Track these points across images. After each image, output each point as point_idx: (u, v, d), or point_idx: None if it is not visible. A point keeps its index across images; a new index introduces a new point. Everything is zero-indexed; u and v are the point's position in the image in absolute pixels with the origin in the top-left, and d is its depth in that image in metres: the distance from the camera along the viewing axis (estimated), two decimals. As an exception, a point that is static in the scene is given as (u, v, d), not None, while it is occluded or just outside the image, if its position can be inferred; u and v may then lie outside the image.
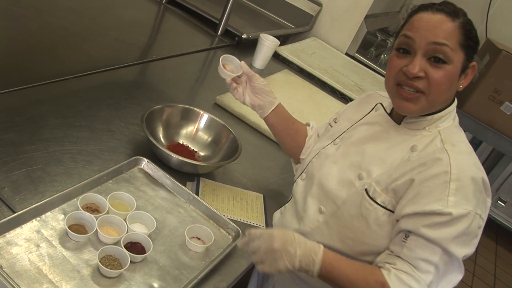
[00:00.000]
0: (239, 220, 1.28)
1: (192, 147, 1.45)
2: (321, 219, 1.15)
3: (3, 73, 1.43)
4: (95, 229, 1.02)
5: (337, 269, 1.01)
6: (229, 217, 1.26)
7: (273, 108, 1.34)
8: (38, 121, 1.28)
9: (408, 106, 1.05)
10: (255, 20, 2.80)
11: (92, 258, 0.99)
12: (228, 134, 1.45)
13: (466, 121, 3.11)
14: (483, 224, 1.01)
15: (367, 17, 2.70)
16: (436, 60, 1.01)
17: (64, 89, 1.48)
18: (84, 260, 0.98)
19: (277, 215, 1.31)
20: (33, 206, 1.01)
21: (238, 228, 1.19)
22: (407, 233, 1.00)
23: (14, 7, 1.83)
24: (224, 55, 1.34)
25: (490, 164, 3.87)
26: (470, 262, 3.42)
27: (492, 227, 3.87)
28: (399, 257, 1.00)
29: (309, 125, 1.43)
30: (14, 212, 0.99)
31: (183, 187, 1.25)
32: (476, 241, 1.01)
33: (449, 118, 1.09)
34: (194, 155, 1.43)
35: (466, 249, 0.99)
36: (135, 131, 1.41)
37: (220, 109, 1.78)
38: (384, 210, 1.05)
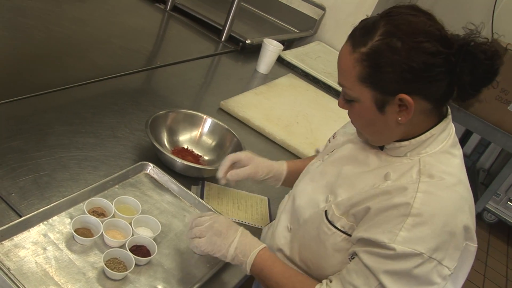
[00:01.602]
0: (244, 223, 1.29)
1: (196, 151, 1.46)
2: (288, 237, 1.10)
3: (9, 83, 1.46)
4: (101, 232, 1.04)
5: (268, 269, 0.99)
6: (234, 220, 1.27)
7: (282, 181, 1.29)
8: (45, 129, 1.30)
9: (358, 133, 1.03)
10: (259, 26, 2.82)
11: (98, 261, 1.00)
12: (232, 138, 1.46)
13: (474, 123, 3.09)
14: (448, 272, 0.88)
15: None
16: (345, 100, 0.95)
17: (70, 97, 1.50)
18: (90, 263, 0.99)
19: (264, 230, 1.25)
20: (40, 210, 1.03)
21: (243, 230, 1.19)
22: (353, 254, 0.93)
23: (20, 17, 1.86)
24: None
25: (499, 165, 3.85)
26: (481, 264, 3.40)
27: (503, 229, 3.84)
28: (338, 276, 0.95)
29: (318, 152, 1.35)
30: (21, 217, 1.01)
31: (188, 191, 1.26)
32: None
33: (436, 142, 0.93)
34: (199, 160, 1.44)
35: None
36: (140, 136, 1.43)
37: (224, 114, 1.79)
38: (343, 235, 0.97)
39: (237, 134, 1.48)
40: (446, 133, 0.95)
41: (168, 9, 2.49)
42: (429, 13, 0.90)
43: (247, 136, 1.71)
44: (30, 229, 1.01)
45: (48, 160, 1.20)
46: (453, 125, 0.99)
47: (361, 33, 0.89)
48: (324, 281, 0.96)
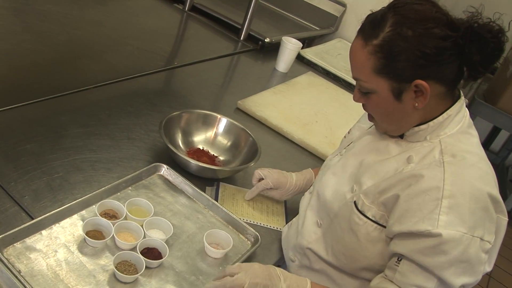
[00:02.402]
0: (259, 224, 1.27)
1: (212, 152, 1.44)
2: (319, 233, 1.11)
3: (26, 86, 1.47)
4: (112, 235, 1.03)
5: None
6: (249, 221, 1.25)
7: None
8: (59, 131, 1.31)
9: (376, 126, 1.06)
10: (279, 24, 2.79)
11: (109, 263, 0.99)
12: (247, 137, 1.44)
13: (502, 119, 3.00)
14: (489, 246, 0.89)
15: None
16: (362, 92, 0.98)
17: (85, 99, 1.50)
18: (101, 265, 0.99)
19: (285, 230, 1.25)
20: (52, 212, 1.03)
21: (257, 233, 1.17)
22: (400, 257, 0.92)
23: (39, 21, 1.88)
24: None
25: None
26: (508, 263, 3.29)
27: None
28: (392, 281, 0.93)
29: None
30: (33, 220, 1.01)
31: (202, 193, 1.25)
32: (481, 268, 0.90)
33: (453, 123, 0.97)
34: (214, 160, 1.42)
35: (466, 278, 0.88)
36: (155, 138, 1.42)
37: (242, 113, 1.77)
38: (375, 225, 0.98)
39: (254, 134, 1.46)
40: (462, 114, 0.98)
41: (186, 9, 2.48)
42: (433, 0, 0.92)
43: (265, 135, 1.68)
44: (42, 232, 1.01)
45: (62, 163, 1.20)
46: (466, 108, 1.02)
47: (371, 27, 0.92)
48: None
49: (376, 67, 0.91)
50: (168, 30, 2.31)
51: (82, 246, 1.01)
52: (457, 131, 0.97)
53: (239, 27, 2.39)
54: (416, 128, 0.98)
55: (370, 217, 0.99)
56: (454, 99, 0.98)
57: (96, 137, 1.34)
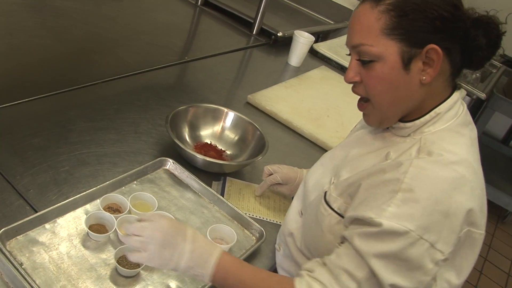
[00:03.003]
0: (265, 219, 1.25)
1: (219, 146, 1.43)
2: (300, 222, 1.07)
3: (35, 81, 1.48)
4: (114, 228, 1.03)
5: (234, 276, 0.87)
6: (255, 216, 1.24)
7: None
8: (66, 125, 1.31)
9: (366, 119, 0.96)
10: (293, 18, 2.77)
11: (111, 257, 0.99)
12: (254, 131, 1.43)
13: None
14: (441, 257, 0.80)
15: None
16: (363, 62, 0.88)
17: (94, 94, 1.51)
18: (103, 259, 0.99)
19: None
20: (56, 205, 1.03)
21: (262, 229, 1.16)
22: (343, 239, 0.87)
23: (53, 18, 1.90)
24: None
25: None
26: (533, 263, 3.21)
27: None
28: (324, 264, 0.86)
29: None
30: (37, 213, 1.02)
31: (208, 187, 1.24)
32: (421, 277, 0.79)
33: (441, 121, 0.90)
34: (222, 154, 1.41)
35: (398, 278, 0.79)
36: (162, 132, 1.42)
37: (252, 108, 1.76)
38: (338, 217, 0.93)
39: (263, 128, 1.45)
40: (453, 112, 0.91)
41: (199, 3, 2.48)
42: None
43: (274, 130, 1.67)
44: (45, 225, 1.01)
45: (68, 157, 1.21)
46: (464, 105, 0.95)
47: None
48: (304, 272, 0.87)
49: (388, 27, 0.83)
50: (180, 24, 2.30)
51: (84, 240, 1.01)
52: (444, 128, 0.89)
53: (252, 21, 2.38)
54: (402, 124, 0.92)
55: (335, 208, 0.94)
56: (451, 91, 0.93)
57: (103, 131, 1.34)
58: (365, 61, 0.87)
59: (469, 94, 2.55)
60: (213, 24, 2.40)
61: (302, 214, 1.09)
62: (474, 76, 2.66)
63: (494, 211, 3.70)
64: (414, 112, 0.91)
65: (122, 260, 0.98)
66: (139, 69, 1.72)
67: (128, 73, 1.67)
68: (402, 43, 0.84)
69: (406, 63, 0.85)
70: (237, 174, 1.37)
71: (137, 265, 0.98)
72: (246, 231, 1.18)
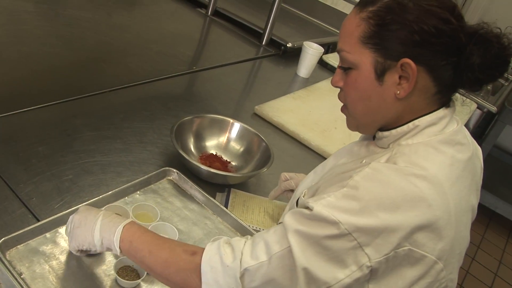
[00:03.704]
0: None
1: (225, 157, 1.43)
2: None
3: (43, 89, 1.49)
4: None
5: (138, 240, 0.89)
6: (258, 228, 1.23)
7: None
8: (72, 134, 1.32)
9: (346, 122, 0.95)
10: (303, 29, 2.77)
11: (111, 268, 0.98)
12: (260, 142, 1.42)
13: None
14: (367, 263, 0.74)
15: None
16: (343, 68, 0.87)
17: (100, 103, 1.51)
18: (103, 270, 0.98)
19: None
20: (58, 215, 1.03)
21: (265, 240, 1.15)
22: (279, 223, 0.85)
23: (63, 27, 1.92)
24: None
25: None
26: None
27: None
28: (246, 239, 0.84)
29: None
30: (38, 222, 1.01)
31: (212, 198, 1.23)
32: (336, 271, 0.74)
33: (420, 135, 0.85)
34: (227, 166, 1.41)
35: (312, 264, 0.74)
36: (167, 142, 1.42)
37: (259, 118, 1.75)
38: None
39: (270, 140, 1.44)
40: (437, 128, 0.85)
41: (209, 14, 2.49)
42: None
43: (281, 141, 1.66)
44: (46, 234, 1.01)
45: (72, 166, 1.21)
46: (459, 125, 0.89)
47: None
48: (221, 239, 0.86)
49: (364, 35, 0.82)
50: (190, 34, 2.31)
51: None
52: (421, 142, 0.84)
53: (262, 31, 2.38)
54: (380, 134, 0.89)
55: None
56: (437, 106, 0.87)
57: (108, 140, 1.34)
58: (344, 68, 0.87)
59: (479, 107, 2.52)
60: (223, 34, 2.40)
61: None
62: (485, 89, 2.63)
63: (506, 225, 3.64)
64: (392, 124, 0.88)
65: (122, 272, 0.97)
66: (148, 78, 1.72)
67: (136, 82, 1.67)
68: (376, 53, 0.82)
69: (379, 74, 0.83)
70: (242, 185, 1.36)
71: (137, 277, 0.97)
72: (249, 243, 1.17)
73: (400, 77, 0.82)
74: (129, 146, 1.35)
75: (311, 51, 2.13)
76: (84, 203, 1.07)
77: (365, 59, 0.83)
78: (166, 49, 2.02)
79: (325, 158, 1.64)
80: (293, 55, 2.33)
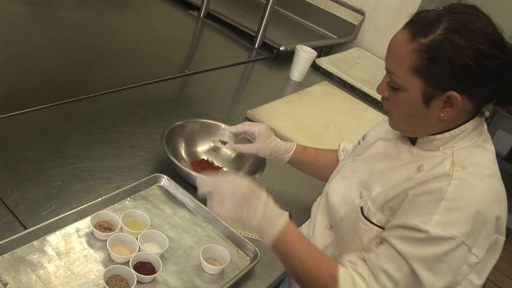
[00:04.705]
0: (260, 239, 1.22)
1: (216, 163, 1.41)
2: (333, 236, 1.10)
3: (32, 92, 1.47)
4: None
5: (293, 245, 0.94)
6: (250, 236, 1.21)
7: (285, 161, 1.34)
8: (62, 139, 1.30)
9: (390, 122, 1.03)
10: (296, 32, 2.75)
11: (100, 277, 0.97)
12: (252, 149, 1.40)
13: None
14: (475, 261, 0.87)
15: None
16: (390, 87, 0.95)
17: (91, 106, 1.49)
18: (91, 279, 0.96)
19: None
20: (45, 223, 1.01)
21: (257, 249, 1.13)
22: (382, 240, 0.91)
23: (54, 28, 1.89)
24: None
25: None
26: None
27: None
28: (364, 260, 0.92)
29: (339, 148, 1.38)
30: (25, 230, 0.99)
31: (202, 205, 1.21)
32: (455, 277, 0.87)
33: (469, 137, 0.95)
34: (219, 172, 1.39)
35: (437, 280, 0.86)
36: (158, 147, 1.40)
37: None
38: (380, 229, 0.97)
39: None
40: (479, 129, 0.97)
41: (201, 16, 2.47)
42: (487, 15, 0.90)
43: (273, 146, 1.64)
44: (34, 242, 0.99)
45: (61, 171, 1.19)
46: (485, 123, 1.00)
47: (422, 24, 0.88)
48: (347, 264, 0.93)
49: (416, 66, 0.88)
50: (182, 37, 2.29)
51: (74, 259, 0.99)
52: (471, 144, 0.95)
53: (254, 34, 2.36)
54: (431, 137, 0.97)
55: (376, 222, 0.98)
56: (475, 115, 0.97)
57: (98, 145, 1.32)
58: (393, 87, 0.94)
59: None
60: (215, 37, 2.39)
61: (331, 227, 1.10)
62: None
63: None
64: (440, 130, 0.96)
65: (111, 281, 0.96)
66: (139, 81, 1.70)
67: (127, 86, 1.65)
68: (426, 83, 0.89)
69: (427, 100, 0.91)
70: (234, 191, 1.35)
71: (127, 286, 0.96)
72: (240, 251, 1.16)
73: (444, 102, 0.90)
74: (119, 151, 1.33)
75: (304, 55, 2.11)
76: (72, 211, 1.05)
77: (415, 86, 0.90)
78: (157, 52, 1.99)
79: (317, 164, 1.63)
80: (286, 59, 2.31)
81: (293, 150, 1.32)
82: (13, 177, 1.12)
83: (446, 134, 0.95)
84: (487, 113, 1.01)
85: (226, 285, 1.04)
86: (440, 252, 0.84)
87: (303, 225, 1.24)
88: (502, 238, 0.93)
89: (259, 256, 1.12)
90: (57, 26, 1.91)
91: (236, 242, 1.17)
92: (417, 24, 0.89)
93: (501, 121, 2.94)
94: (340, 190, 1.09)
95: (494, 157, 0.96)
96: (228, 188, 0.94)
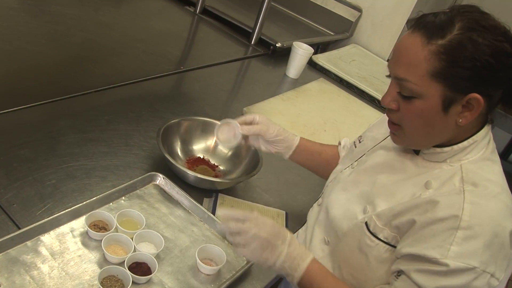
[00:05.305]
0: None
1: (212, 161, 1.40)
2: (326, 250, 1.07)
3: (25, 89, 1.45)
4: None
5: (318, 283, 0.95)
6: (246, 235, 1.20)
7: (293, 150, 1.26)
8: (56, 136, 1.28)
9: (394, 139, 0.97)
10: (293, 28, 2.74)
11: (95, 278, 0.95)
12: (248, 146, 1.38)
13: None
14: (496, 283, 0.85)
15: (409, 21, 2.57)
16: (403, 96, 0.88)
17: (86, 103, 1.48)
18: (86, 280, 0.95)
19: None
20: (39, 222, 1.00)
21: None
22: (400, 272, 0.89)
23: (48, 24, 1.87)
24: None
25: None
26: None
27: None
28: None
29: (340, 144, 1.35)
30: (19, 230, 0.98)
31: (199, 205, 1.20)
32: None
33: (477, 149, 0.91)
34: (215, 170, 1.38)
35: None
36: (154, 145, 1.38)
37: (247, 121, 1.72)
38: (387, 246, 0.94)
39: (258, 143, 1.41)
40: (487, 140, 0.93)
41: (197, 12, 2.45)
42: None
43: (270, 144, 1.63)
44: (27, 243, 0.97)
45: (55, 170, 1.17)
46: (491, 132, 0.97)
47: (436, 26, 0.83)
48: None
49: (435, 70, 0.82)
50: (177, 33, 2.27)
51: (68, 259, 0.97)
52: (480, 157, 0.91)
53: (251, 31, 2.35)
54: (438, 149, 0.93)
55: (382, 238, 0.95)
56: (485, 122, 0.93)
57: (93, 143, 1.31)
58: (406, 96, 0.88)
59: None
60: (211, 33, 2.37)
61: (328, 242, 1.07)
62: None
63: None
64: (448, 141, 0.92)
65: (106, 281, 0.95)
66: (134, 78, 1.69)
67: (122, 83, 1.63)
68: (446, 88, 0.84)
69: (446, 106, 0.85)
70: (230, 190, 1.34)
71: (122, 287, 0.95)
72: (236, 251, 1.15)
73: (463, 106, 0.85)
74: (114, 149, 1.32)
75: (301, 52, 2.10)
76: (66, 210, 1.04)
77: (434, 92, 0.84)
78: (153, 48, 1.98)
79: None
80: (282, 55, 2.30)
81: (299, 138, 1.28)
82: (6, 175, 1.11)
83: (455, 147, 0.91)
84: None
85: (223, 285, 1.03)
86: (461, 283, 0.82)
87: (300, 230, 1.22)
88: None
89: (255, 256, 1.11)
90: (52, 22, 1.89)
91: (233, 241, 1.16)
92: (430, 26, 0.84)
93: (497, 119, 2.94)
94: (341, 203, 1.05)
95: (501, 169, 0.93)
96: (252, 234, 0.94)
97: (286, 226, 1.30)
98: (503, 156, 3.98)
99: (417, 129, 0.91)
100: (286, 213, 1.34)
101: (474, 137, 0.90)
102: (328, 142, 1.71)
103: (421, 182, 0.92)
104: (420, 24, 0.85)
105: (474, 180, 0.87)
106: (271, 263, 0.95)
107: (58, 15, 1.96)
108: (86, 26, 1.96)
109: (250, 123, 1.21)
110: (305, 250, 0.98)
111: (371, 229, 0.96)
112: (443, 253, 0.82)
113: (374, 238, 0.96)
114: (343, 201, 1.05)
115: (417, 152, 0.97)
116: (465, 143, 0.90)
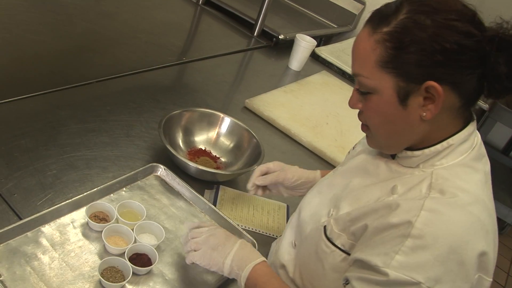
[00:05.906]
0: (258, 231, 1.21)
1: (214, 152, 1.39)
2: (292, 254, 1.01)
3: (26, 78, 1.44)
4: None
5: (262, 285, 0.91)
6: (247, 228, 1.20)
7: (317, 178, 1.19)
8: (57, 127, 1.27)
9: (368, 141, 0.91)
10: (295, 20, 2.73)
11: (95, 269, 0.95)
12: (250, 138, 1.38)
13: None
14: None
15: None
16: (361, 92, 0.82)
17: (87, 94, 1.47)
18: (86, 271, 0.95)
19: (272, 245, 1.14)
20: (40, 213, 0.99)
21: (254, 241, 1.12)
22: (347, 281, 0.81)
23: (50, 13, 1.86)
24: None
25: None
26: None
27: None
28: None
29: None
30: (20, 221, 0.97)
31: (200, 196, 1.20)
32: None
33: (454, 153, 0.81)
34: (216, 161, 1.37)
35: None
36: (155, 136, 1.38)
37: (249, 113, 1.72)
38: (343, 254, 0.86)
39: (260, 135, 1.41)
40: (468, 145, 0.83)
41: (200, 3, 2.43)
42: None
43: (272, 137, 1.63)
44: (28, 233, 0.97)
45: (56, 160, 1.17)
46: (479, 136, 0.87)
47: (382, 15, 0.78)
48: None
49: (382, 59, 0.76)
50: (180, 24, 2.26)
51: (68, 250, 0.97)
52: (457, 162, 0.81)
53: (253, 22, 2.33)
54: (409, 153, 0.84)
55: (339, 245, 0.87)
56: (465, 123, 0.83)
57: (94, 133, 1.30)
58: (363, 92, 0.82)
59: (471, 104, 2.50)
60: (214, 24, 2.36)
61: (295, 245, 1.01)
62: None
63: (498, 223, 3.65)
64: (422, 143, 0.83)
65: (106, 272, 0.94)
66: (136, 69, 1.68)
67: (124, 73, 1.62)
68: (397, 78, 0.77)
69: (403, 98, 0.78)
70: (231, 182, 1.33)
71: (122, 278, 0.94)
72: (237, 243, 1.14)
73: (424, 98, 0.77)
74: (115, 140, 1.31)
75: (304, 44, 2.09)
76: (67, 201, 1.03)
77: (385, 84, 0.78)
78: (155, 39, 1.96)
79: (316, 155, 1.62)
80: (285, 47, 2.29)
81: (319, 173, 1.21)
82: (7, 165, 1.10)
83: (426, 151, 0.82)
84: (486, 106, 0.92)
85: (223, 279, 1.03)
86: None
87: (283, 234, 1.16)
88: (488, 279, 0.78)
89: (256, 247, 1.11)
90: (53, 11, 1.88)
91: (234, 233, 1.14)
92: (377, 17, 0.79)
93: (499, 114, 2.92)
94: (312, 205, 0.99)
95: (484, 179, 0.83)
96: (203, 237, 0.97)
97: (287, 219, 1.30)
98: (505, 151, 3.97)
99: (379, 128, 0.84)
100: (287, 206, 1.34)
101: (449, 140, 0.81)
102: (331, 135, 1.72)
103: (388, 187, 0.84)
104: (370, 16, 0.81)
105: (443, 187, 0.77)
106: (220, 263, 0.94)
107: (59, 4, 1.94)
108: (88, 15, 1.95)
109: (266, 172, 1.17)
110: (257, 253, 0.96)
111: (327, 233, 0.89)
112: (386, 261, 0.73)
113: (330, 244, 0.88)
114: (314, 203, 0.99)
115: (393, 157, 0.89)
116: (438, 146, 0.81)
